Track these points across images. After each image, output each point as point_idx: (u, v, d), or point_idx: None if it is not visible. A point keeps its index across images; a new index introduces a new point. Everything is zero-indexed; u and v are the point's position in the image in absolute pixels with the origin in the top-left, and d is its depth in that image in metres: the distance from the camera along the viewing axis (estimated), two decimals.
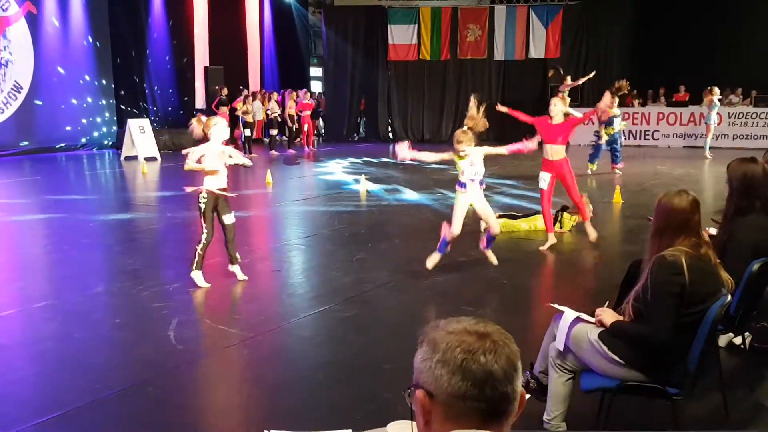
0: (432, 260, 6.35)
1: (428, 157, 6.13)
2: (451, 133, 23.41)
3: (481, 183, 6.23)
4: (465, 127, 6.23)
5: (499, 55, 23.02)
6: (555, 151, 7.31)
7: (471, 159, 6.10)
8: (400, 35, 23.65)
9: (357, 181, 12.96)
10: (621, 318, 3.09)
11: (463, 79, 23.60)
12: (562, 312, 3.25)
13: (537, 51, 22.56)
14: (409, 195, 11.58)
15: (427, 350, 1.32)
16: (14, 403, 3.86)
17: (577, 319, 3.19)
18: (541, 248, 7.46)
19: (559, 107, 7.30)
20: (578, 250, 7.85)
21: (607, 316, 3.11)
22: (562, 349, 3.16)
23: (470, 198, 6.21)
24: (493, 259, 6.51)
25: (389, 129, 24.91)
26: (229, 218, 6.08)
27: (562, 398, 3.20)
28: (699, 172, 14.47)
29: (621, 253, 7.18)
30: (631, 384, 3.01)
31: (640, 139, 20.94)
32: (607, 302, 3.34)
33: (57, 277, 6.60)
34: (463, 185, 6.22)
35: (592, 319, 3.17)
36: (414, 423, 1.38)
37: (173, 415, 3.72)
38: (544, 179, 7.37)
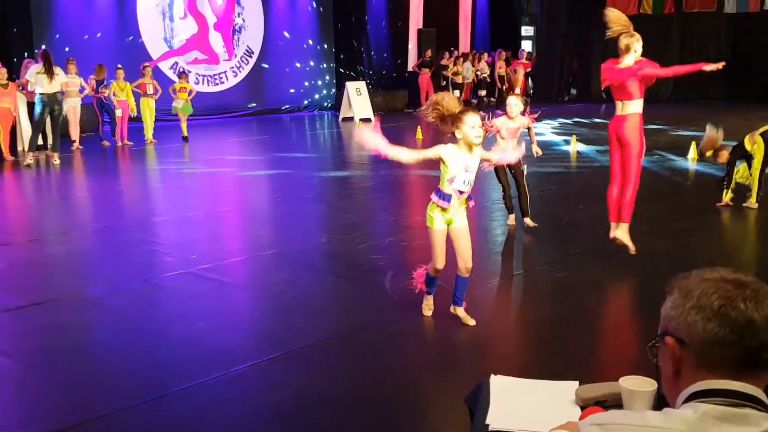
0: (428, 306, 4.55)
1: (404, 155, 4.34)
2: (672, 93, 22.12)
3: (469, 198, 4.32)
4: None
5: (730, 7, 20.75)
6: None
7: (466, 162, 4.22)
8: None
9: (567, 141, 12.60)
10: None
11: (688, 35, 21.75)
12: None
13: None
14: None
15: (678, 297, 1.30)
16: (247, 338, 4.31)
17: None
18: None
19: None
20: None
21: None
22: None
23: (450, 217, 4.26)
24: (470, 321, 4.35)
25: (603, 89, 23.74)
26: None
27: None
28: None
29: None
30: None
31: None
32: None
33: (284, 228, 7.22)
34: (446, 198, 4.23)
35: None
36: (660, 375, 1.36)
37: (389, 362, 3.96)
38: None
